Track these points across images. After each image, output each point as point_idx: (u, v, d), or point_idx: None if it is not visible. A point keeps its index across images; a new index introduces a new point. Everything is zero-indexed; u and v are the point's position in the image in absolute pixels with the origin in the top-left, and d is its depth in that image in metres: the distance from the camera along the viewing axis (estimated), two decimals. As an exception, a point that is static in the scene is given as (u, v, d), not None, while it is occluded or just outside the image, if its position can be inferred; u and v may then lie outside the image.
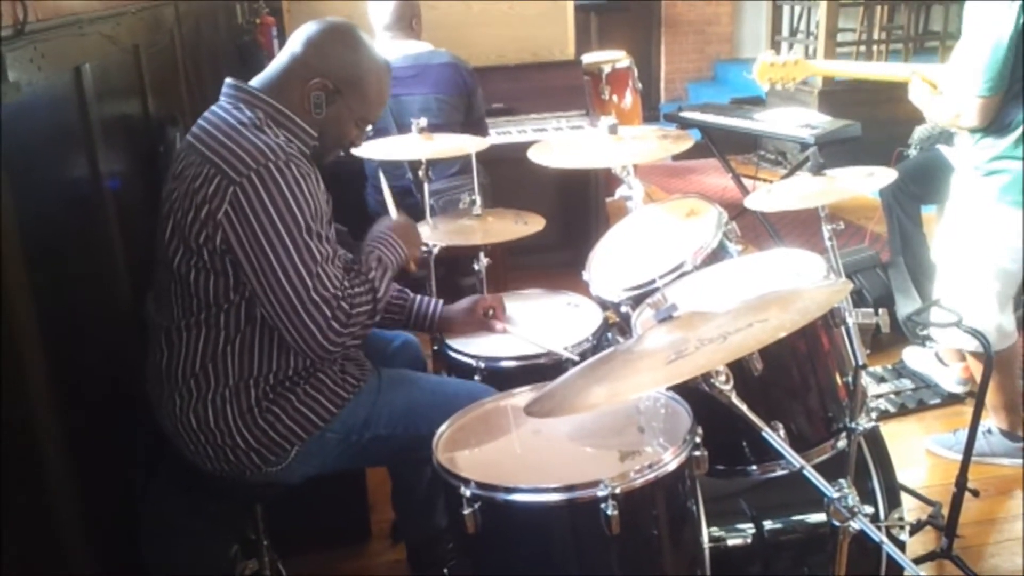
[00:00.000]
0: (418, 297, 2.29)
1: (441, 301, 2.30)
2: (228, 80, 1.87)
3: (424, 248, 2.48)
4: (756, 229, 4.49)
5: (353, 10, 4.11)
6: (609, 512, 1.40)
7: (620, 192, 2.48)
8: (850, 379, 1.82)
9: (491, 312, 2.29)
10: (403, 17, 3.54)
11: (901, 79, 2.86)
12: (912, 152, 3.72)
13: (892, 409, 3.22)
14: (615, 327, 2.30)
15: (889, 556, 1.53)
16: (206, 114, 1.84)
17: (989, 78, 2.48)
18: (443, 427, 1.70)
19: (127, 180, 1.97)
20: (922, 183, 3.50)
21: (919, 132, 3.73)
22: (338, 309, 1.74)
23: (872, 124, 4.23)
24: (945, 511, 2.34)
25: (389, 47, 3.52)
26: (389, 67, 2.00)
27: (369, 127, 2.01)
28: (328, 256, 1.77)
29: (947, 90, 2.70)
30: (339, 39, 1.90)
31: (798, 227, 4.92)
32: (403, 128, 3.17)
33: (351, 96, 1.89)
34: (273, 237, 1.69)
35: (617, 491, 1.42)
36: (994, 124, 2.56)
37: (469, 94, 3.53)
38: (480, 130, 3.48)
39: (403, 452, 1.94)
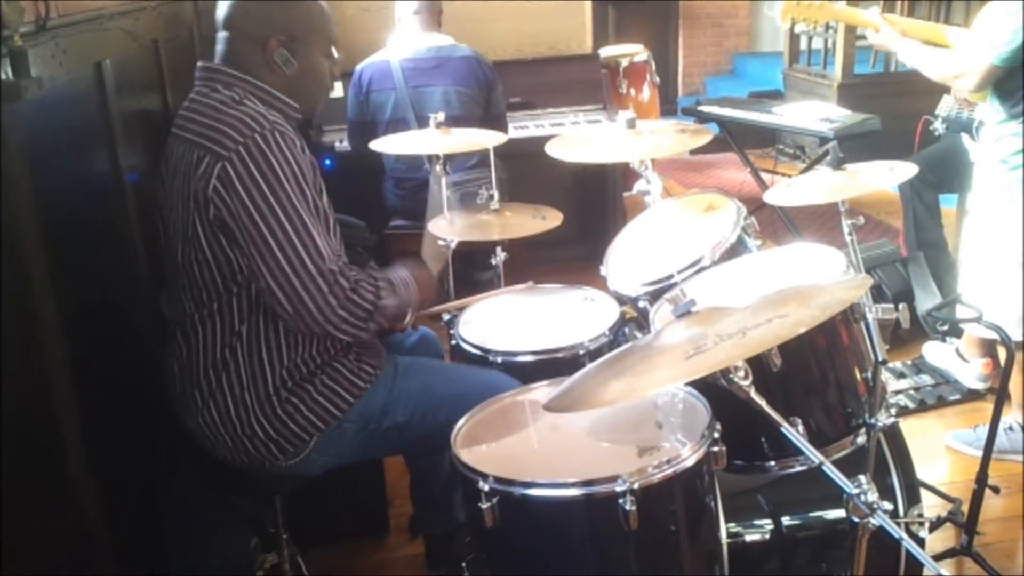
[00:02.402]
0: None
1: None
2: (200, 64, 1.86)
3: (442, 242, 2.48)
4: (775, 224, 4.48)
5: (371, 4, 4.13)
6: (627, 507, 1.40)
7: (638, 187, 2.48)
8: (869, 375, 1.80)
9: None
10: (432, 8, 3.56)
11: (942, 40, 2.88)
12: (939, 124, 3.69)
13: (912, 405, 3.20)
14: (633, 322, 2.29)
15: (908, 553, 1.52)
16: (185, 103, 1.83)
17: (1008, 50, 2.50)
18: (461, 422, 1.70)
19: (146, 174, 1.98)
20: (940, 171, 3.50)
21: (947, 102, 3.69)
22: (336, 284, 1.71)
23: (892, 118, 4.19)
24: (965, 508, 2.33)
25: (414, 37, 3.53)
26: None
27: (334, 51, 1.94)
28: (319, 227, 1.74)
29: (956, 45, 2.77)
30: None
31: (817, 222, 4.89)
32: (423, 120, 3.18)
33: (307, 34, 1.85)
34: (264, 209, 1.68)
35: (635, 486, 1.42)
36: (1017, 109, 2.56)
37: (488, 88, 3.54)
38: (499, 127, 3.48)
39: (421, 439, 1.95)
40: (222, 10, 1.86)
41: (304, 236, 1.70)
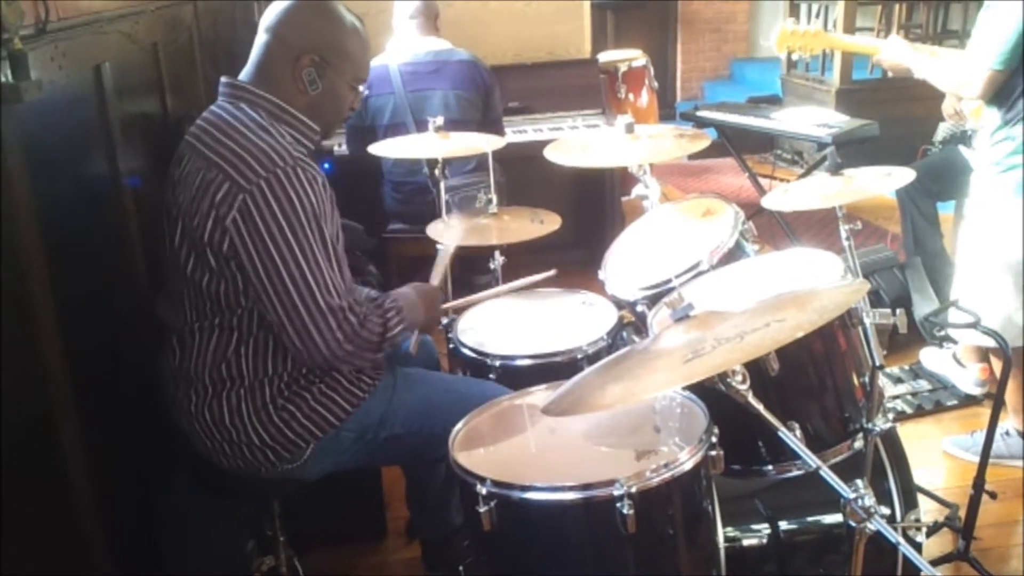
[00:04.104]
0: None
1: None
2: (224, 79, 1.86)
3: (440, 247, 2.48)
4: (773, 229, 4.47)
5: (368, 7, 4.13)
6: (625, 511, 1.41)
7: (636, 191, 2.48)
8: (867, 380, 1.81)
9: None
10: (429, 12, 3.56)
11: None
12: (937, 148, 3.71)
13: (909, 410, 3.20)
14: (630, 326, 2.30)
15: (905, 557, 1.52)
16: (206, 114, 1.82)
17: (1004, 52, 2.51)
18: (459, 425, 1.71)
19: (146, 177, 1.98)
20: (939, 181, 3.51)
21: (943, 129, 3.72)
22: (344, 321, 1.72)
23: (890, 123, 4.20)
24: (962, 513, 2.33)
25: (412, 41, 3.54)
26: (361, 21, 1.95)
27: (362, 86, 1.95)
28: (334, 264, 1.75)
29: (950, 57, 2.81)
30: (310, 10, 1.85)
31: (815, 227, 4.89)
32: (421, 124, 3.18)
33: (339, 61, 1.85)
34: (282, 245, 1.68)
35: (633, 490, 1.42)
36: (1012, 114, 2.58)
37: (487, 92, 3.54)
38: (496, 130, 3.49)
39: (418, 451, 1.95)
40: (270, 13, 1.86)
41: (317, 273, 1.70)
